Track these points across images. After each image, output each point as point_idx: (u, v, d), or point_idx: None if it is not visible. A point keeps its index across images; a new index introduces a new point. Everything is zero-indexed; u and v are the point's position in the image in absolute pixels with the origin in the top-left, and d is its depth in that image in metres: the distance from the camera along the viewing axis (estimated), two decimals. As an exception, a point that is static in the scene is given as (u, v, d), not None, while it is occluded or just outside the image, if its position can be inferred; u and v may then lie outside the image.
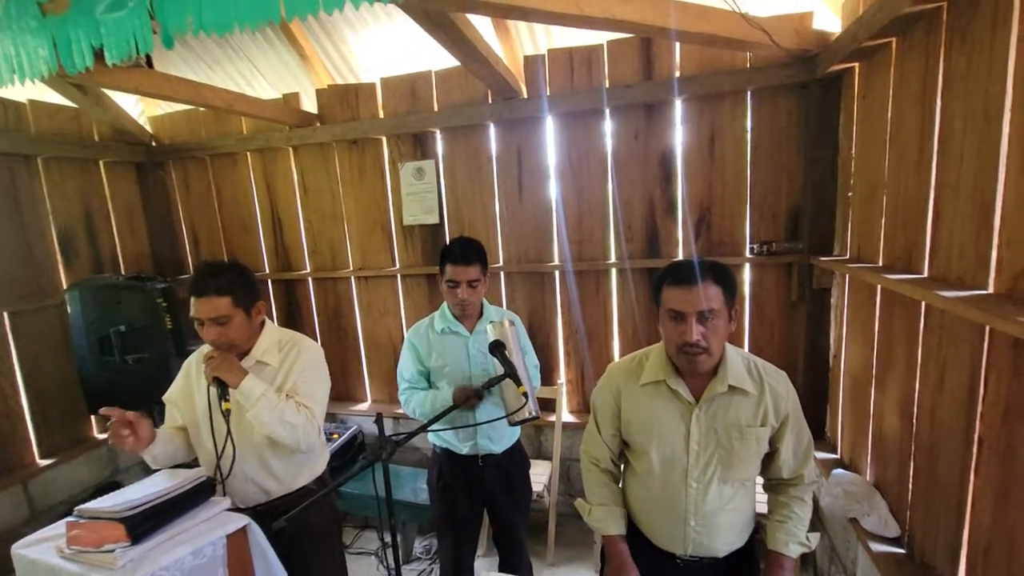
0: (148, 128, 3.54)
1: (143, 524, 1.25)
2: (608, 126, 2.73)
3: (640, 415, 1.41)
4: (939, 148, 1.49)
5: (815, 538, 1.41)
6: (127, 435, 1.47)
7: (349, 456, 3.12)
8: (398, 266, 3.22)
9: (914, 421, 1.65)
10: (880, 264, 1.89)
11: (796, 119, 2.45)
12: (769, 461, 1.43)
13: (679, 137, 2.64)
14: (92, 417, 3.22)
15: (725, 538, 1.40)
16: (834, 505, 2.00)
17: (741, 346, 2.69)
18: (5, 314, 2.82)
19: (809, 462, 1.43)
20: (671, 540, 1.41)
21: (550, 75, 2.73)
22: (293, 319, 3.51)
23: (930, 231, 1.54)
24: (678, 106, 2.62)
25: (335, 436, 3.09)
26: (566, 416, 2.99)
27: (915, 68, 1.62)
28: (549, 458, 2.95)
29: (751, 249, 2.60)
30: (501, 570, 2.08)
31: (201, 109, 3.33)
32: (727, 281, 1.29)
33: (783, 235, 2.56)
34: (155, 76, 2.33)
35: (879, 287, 1.87)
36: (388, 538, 2.98)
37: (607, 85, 2.65)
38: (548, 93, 2.72)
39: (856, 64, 2.08)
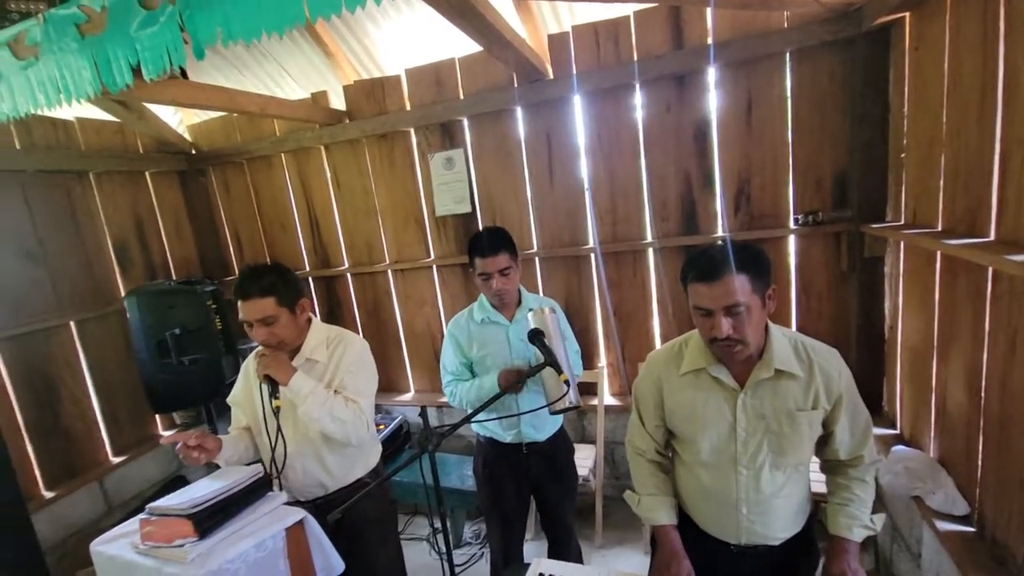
0: (188, 137, 3.65)
1: (208, 519, 1.32)
2: (638, 100, 2.65)
3: (683, 404, 1.38)
4: (1004, 99, 1.37)
5: (880, 520, 1.35)
6: (197, 455, 1.53)
7: (396, 446, 3.20)
8: (433, 257, 3.25)
9: (982, 393, 1.55)
10: (939, 229, 1.78)
11: (840, 78, 2.31)
12: (824, 443, 1.37)
13: (713, 107, 2.54)
14: (156, 416, 3.41)
15: (780, 524, 1.35)
16: (895, 483, 1.91)
17: (788, 323, 2.60)
18: (72, 323, 3.01)
19: (868, 442, 1.36)
20: (724, 528, 1.38)
21: (576, 53, 2.66)
22: (335, 314, 3.59)
23: (996, 191, 1.43)
24: (711, 74, 2.51)
25: (381, 427, 3.17)
26: (608, 399, 2.97)
27: (973, 13, 1.49)
28: (593, 442, 2.94)
29: (795, 220, 2.48)
30: (550, 555, 2.10)
31: (235, 115, 3.41)
32: (755, 266, 1.21)
33: (830, 203, 2.44)
34: (191, 86, 2.39)
35: (939, 253, 1.76)
36: (438, 525, 3.07)
37: (635, 58, 2.56)
38: (575, 72, 2.65)
39: (906, 14, 1.94)
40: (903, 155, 2.09)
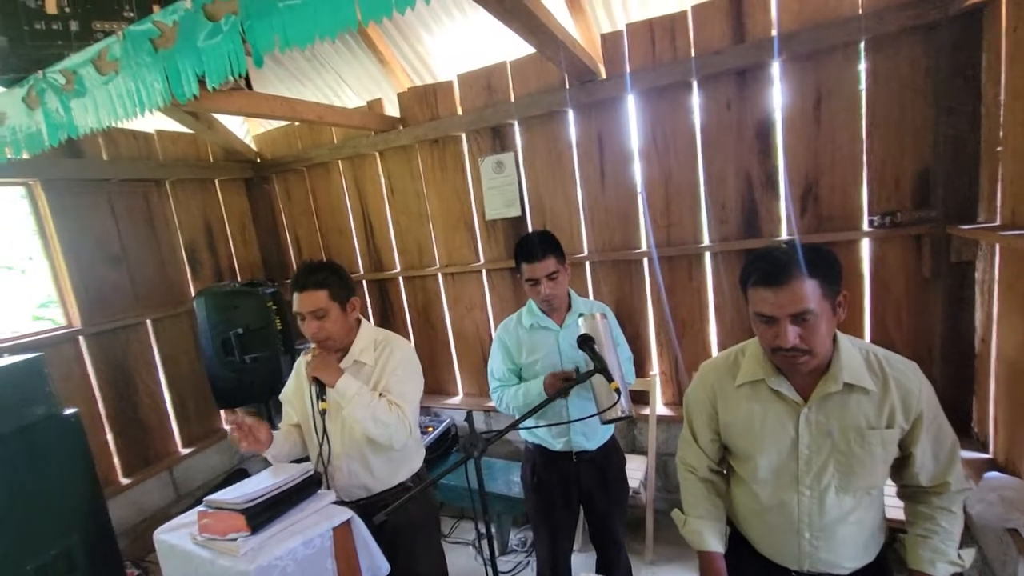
0: (253, 146, 3.85)
1: (260, 515, 1.35)
2: (695, 99, 2.54)
3: (739, 418, 1.28)
4: None
5: (969, 556, 1.19)
6: (246, 444, 1.59)
7: (444, 448, 3.21)
8: (482, 261, 3.25)
9: (1098, 418, 1.36)
10: (1044, 230, 1.58)
11: (923, 67, 2.12)
12: (902, 466, 1.23)
13: (778, 103, 2.39)
14: (221, 412, 3.60)
15: (848, 552, 1.23)
16: (987, 513, 1.71)
17: (861, 333, 2.41)
18: (148, 321, 3.22)
19: (955, 467, 1.21)
20: (783, 553, 1.27)
21: (630, 51, 2.59)
22: (387, 317, 3.67)
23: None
24: (775, 69, 2.37)
25: (429, 429, 3.19)
26: (661, 409, 2.85)
27: (1090, -14, 1.31)
28: (644, 452, 2.83)
29: (870, 222, 2.30)
30: (598, 569, 2.03)
31: (296, 124, 3.56)
32: (825, 269, 1.09)
33: (910, 203, 2.24)
34: (255, 97, 2.51)
35: (1044, 258, 1.57)
36: (484, 530, 3.05)
37: (693, 54, 2.46)
38: (628, 71, 2.58)
39: (1003, -7, 1.75)
40: (999, 149, 1.88)
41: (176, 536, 1.44)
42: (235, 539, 1.31)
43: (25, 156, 1.91)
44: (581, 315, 1.69)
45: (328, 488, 1.65)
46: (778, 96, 2.39)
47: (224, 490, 1.44)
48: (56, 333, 2.79)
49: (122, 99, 1.72)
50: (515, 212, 3.05)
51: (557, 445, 1.93)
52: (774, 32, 2.30)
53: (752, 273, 1.15)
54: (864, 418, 1.16)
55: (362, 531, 1.52)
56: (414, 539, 1.77)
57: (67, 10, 1.81)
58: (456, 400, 3.51)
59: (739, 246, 2.56)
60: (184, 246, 3.46)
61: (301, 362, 1.83)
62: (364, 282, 3.68)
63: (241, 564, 1.27)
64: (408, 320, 3.60)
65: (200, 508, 1.41)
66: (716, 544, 1.33)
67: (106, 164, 3.03)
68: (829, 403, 1.18)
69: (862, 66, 2.22)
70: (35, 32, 1.78)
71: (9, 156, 1.95)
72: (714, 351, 2.75)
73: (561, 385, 1.69)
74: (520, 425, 1.48)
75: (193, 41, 1.46)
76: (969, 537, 1.99)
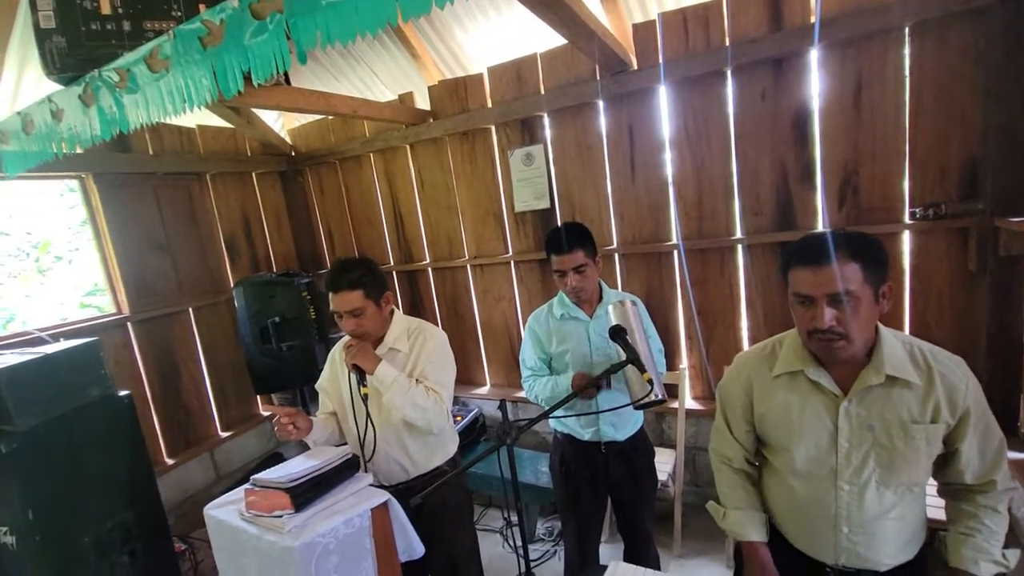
0: (288, 140, 3.95)
1: (304, 494, 1.41)
2: (729, 89, 2.50)
3: (776, 409, 1.27)
4: None
5: (1014, 556, 1.17)
6: (290, 430, 1.65)
7: (472, 437, 3.27)
8: (511, 253, 3.27)
9: None
10: (1101, 223, 1.52)
11: (972, 53, 2.04)
12: (946, 463, 1.21)
13: (815, 92, 2.34)
14: (258, 397, 3.73)
15: (887, 550, 1.21)
16: (1034, 515, 1.67)
17: (901, 328, 2.35)
18: (191, 309, 3.35)
19: (1002, 465, 1.19)
20: (819, 547, 1.26)
21: (663, 40, 2.56)
22: (416, 308, 3.73)
23: None
24: (814, 56, 2.31)
25: (458, 418, 3.25)
26: (689, 403, 2.84)
27: None
28: (672, 446, 2.83)
29: (912, 214, 2.23)
30: (626, 559, 2.05)
31: (329, 118, 3.63)
32: (869, 254, 1.08)
33: (955, 194, 2.16)
34: (293, 92, 2.57)
35: (1100, 251, 1.50)
36: (513, 518, 3.09)
37: (728, 43, 2.42)
38: (661, 61, 2.55)
39: (1061, -26, 1.67)
40: (1052, 138, 1.81)
41: (224, 512, 1.52)
42: (280, 516, 1.37)
43: (78, 151, 2.00)
44: (611, 303, 1.69)
45: (367, 471, 1.71)
46: (816, 85, 2.33)
47: (268, 470, 1.51)
48: (106, 320, 2.93)
49: (172, 95, 1.79)
50: (544, 204, 3.06)
51: (586, 435, 1.95)
52: (813, 18, 2.24)
53: (795, 254, 1.14)
54: (908, 412, 1.15)
55: (399, 513, 1.57)
56: (449, 522, 1.82)
57: (120, 11, 1.89)
58: (484, 390, 3.55)
59: (773, 239, 2.52)
60: (223, 237, 3.58)
61: (336, 351, 1.89)
62: (394, 273, 3.75)
63: (286, 540, 1.33)
64: (437, 311, 3.66)
65: (247, 486, 1.48)
66: (758, 534, 1.33)
67: (152, 158, 3.16)
68: (870, 396, 1.17)
69: (906, 52, 2.15)
70: (91, 32, 1.87)
71: (65, 151, 2.06)
72: (745, 345, 2.72)
73: (587, 386, 1.69)
74: (551, 415, 1.51)
75: (240, 39, 1.51)
76: (1014, 539, 1.93)
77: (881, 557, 1.22)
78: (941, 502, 1.30)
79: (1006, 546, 1.19)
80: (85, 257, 4.52)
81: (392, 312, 1.85)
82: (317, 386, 1.95)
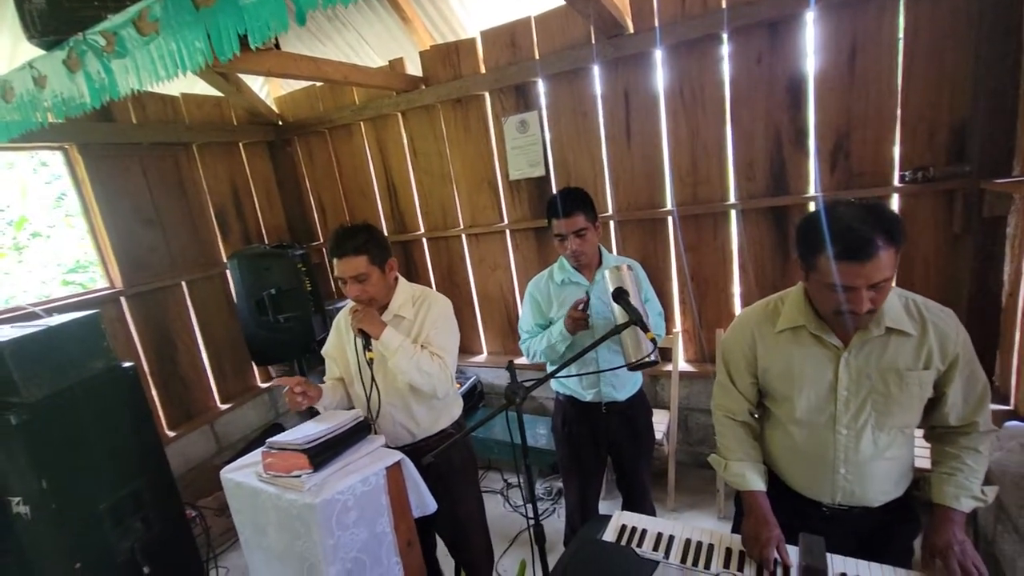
0: (275, 108, 3.85)
1: (321, 455, 1.46)
2: (725, 53, 2.49)
3: (779, 362, 1.34)
4: None
5: (992, 492, 1.26)
6: (300, 400, 1.67)
7: (471, 404, 3.34)
8: (506, 221, 3.28)
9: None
10: (1083, 182, 1.58)
11: (965, 16, 2.06)
12: (933, 407, 1.30)
13: (810, 56, 2.35)
14: (255, 368, 3.74)
15: (880, 487, 1.31)
16: (1007, 460, 1.78)
17: (888, 287, 2.43)
18: (184, 283, 3.33)
19: (984, 408, 1.27)
20: (817, 488, 1.35)
21: (659, 3, 2.53)
22: (411, 278, 3.69)
23: None
24: (810, 19, 2.31)
25: (457, 385, 3.31)
26: (683, 365, 2.92)
27: None
28: (666, 407, 2.93)
29: (901, 177, 2.28)
30: (626, 511, 2.14)
31: (318, 85, 3.55)
32: (901, 236, 1.09)
33: (944, 157, 2.22)
34: (283, 56, 2.51)
35: (1081, 210, 1.57)
36: (512, 480, 3.19)
37: (724, 5, 2.40)
38: (658, 24, 2.53)
39: (1056, -66, 1.69)
40: (1040, 100, 1.86)
41: (241, 475, 1.56)
42: (299, 476, 1.42)
43: (60, 120, 1.94)
44: (607, 269, 1.73)
45: (376, 433, 1.75)
46: (811, 49, 2.34)
47: (283, 433, 1.54)
48: (100, 294, 2.90)
49: (163, 59, 1.73)
50: (539, 172, 3.06)
51: (587, 396, 2.01)
52: (810, -20, 2.23)
53: (835, 246, 1.11)
54: (903, 360, 1.22)
55: (412, 472, 1.62)
56: (456, 482, 1.89)
57: (103, -30, 1.81)
58: (481, 358, 3.61)
59: (765, 203, 2.57)
60: (214, 209, 3.53)
61: (341, 317, 1.91)
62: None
63: (306, 498, 1.38)
64: (433, 281, 3.67)
65: (263, 449, 1.52)
66: (759, 483, 1.40)
67: (136, 128, 3.07)
68: (869, 347, 1.24)
69: (901, 16, 2.16)
70: (73, -8, 1.79)
71: (51, 120, 2.00)
72: (737, 309, 2.79)
73: (579, 316, 1.77)
74: (556, 375, 1.55)
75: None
76: (988, 483, 2.06)
77: (874, 494, 1.31)
78: (927, 452, 1.39)
79: (986, 483, 1.28)
80: (63, 234, 4.42)
81: (396, 279, 1.86)
82: (323, 352, 1.97)
